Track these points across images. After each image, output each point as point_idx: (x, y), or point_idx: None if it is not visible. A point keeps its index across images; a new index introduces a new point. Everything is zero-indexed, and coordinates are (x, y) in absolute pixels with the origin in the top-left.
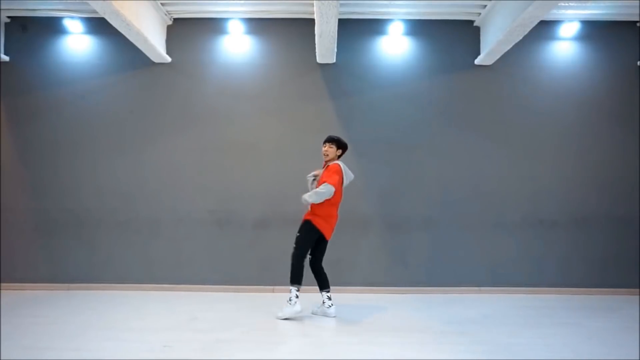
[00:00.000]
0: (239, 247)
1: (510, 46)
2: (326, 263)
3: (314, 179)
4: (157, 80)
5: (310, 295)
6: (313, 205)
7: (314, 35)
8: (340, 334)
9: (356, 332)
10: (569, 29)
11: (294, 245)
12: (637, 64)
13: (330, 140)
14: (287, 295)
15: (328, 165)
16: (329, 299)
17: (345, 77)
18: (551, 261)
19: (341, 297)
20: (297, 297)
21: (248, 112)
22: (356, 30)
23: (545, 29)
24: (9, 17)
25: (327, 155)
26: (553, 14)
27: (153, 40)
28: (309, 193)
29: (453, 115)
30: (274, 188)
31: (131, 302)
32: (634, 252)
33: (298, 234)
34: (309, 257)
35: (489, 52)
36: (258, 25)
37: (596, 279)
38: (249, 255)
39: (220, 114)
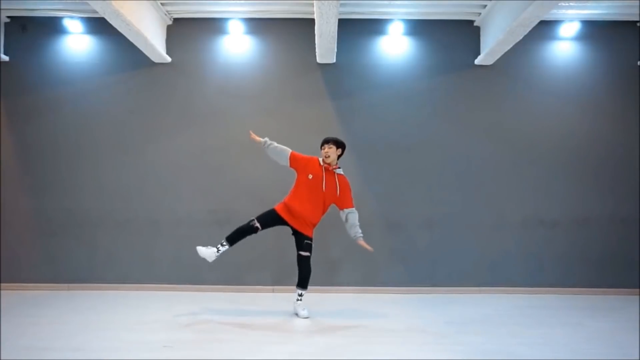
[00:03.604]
0: (239, 247)
1: (511, 46)
2: (326, 263)
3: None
4: (157, 80)
5: (311, 296)
6: (316, 218)
7: (314, 35)
8: (340, 334)
9: (356, 332)
10: (569, 29)
11: (309, 253)
12: (637, 64)
13: (330, 141)
14: (286, 295)
15: (336, 173)
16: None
17: (345, 77)
18: (551, 261)
19: (341, 297)
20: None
21: (248, 112)
22: (356, 30)
23: (545, 29)
24: (9, 17)
25: (329, 156)
26: (553, 14)
27: (153, 40)
28: (356, 229)
29: (453, 115)
30: (274, 188)
31: (131, 302)
32: (634, 252)
33: (308, 242)
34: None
35: (489, 52)
36: (258, 25)
37: (596, 279)
38: (249, 255)
39: (221, 114)
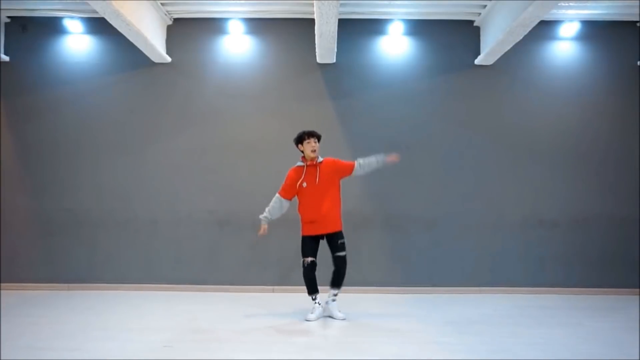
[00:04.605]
0: (239, 247)
1: (510, 46)
2: (326, 263)
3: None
4: (157, 80)
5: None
6: (333, 208)
7: (314, 35)
8: (340, 333)
9: (356, 332)
10: (569, 29)
11: (345, 252)
12: (637, 64)
13: (317, 135)
14: (286, 295)
15: (317, 163)
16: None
17: (345, 77)
18: (551, 261)
19: (341, 297)
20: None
21: (248, 112)
22: (356, 30)
23: (545, 29)
24: (9, 17)
25: (315, 150)
26: (553, 14)
27: (153, 40)
28: (374, 160)
29: (453, 115)
30: (274, 188)
31: (131, 302)
32: (634, 252)
33: (342, 241)
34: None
35: (489, 52)
36: (258, 25)
37: (596, 279)
38: (249, 255)
39: (220, 114)
